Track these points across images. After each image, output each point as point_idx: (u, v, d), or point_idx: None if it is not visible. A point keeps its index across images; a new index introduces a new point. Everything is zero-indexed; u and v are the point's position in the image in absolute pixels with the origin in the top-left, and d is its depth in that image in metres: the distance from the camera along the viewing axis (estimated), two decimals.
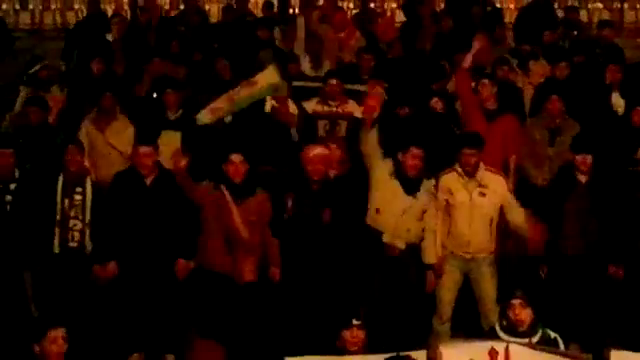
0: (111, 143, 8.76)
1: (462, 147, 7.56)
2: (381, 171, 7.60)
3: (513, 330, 6.03)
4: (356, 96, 9.28)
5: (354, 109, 9.00)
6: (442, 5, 15.00)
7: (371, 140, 8.44)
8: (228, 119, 9.04)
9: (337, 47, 11.29)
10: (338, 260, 7.53)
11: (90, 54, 10.51)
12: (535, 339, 6.01)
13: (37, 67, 9.99)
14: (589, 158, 7.61)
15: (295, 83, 9.64)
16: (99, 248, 7.55)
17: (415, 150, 7.43)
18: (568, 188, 7.66)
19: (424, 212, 7.58)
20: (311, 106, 9.03)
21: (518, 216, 7.58)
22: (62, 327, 5.41)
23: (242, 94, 8.89)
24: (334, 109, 9.00)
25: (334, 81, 9.05)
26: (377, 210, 7.56)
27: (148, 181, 7.50)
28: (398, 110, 8.85)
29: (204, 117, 8.84)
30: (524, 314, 6.03)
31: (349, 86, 9.45)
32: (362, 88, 9.51)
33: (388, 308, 7.48)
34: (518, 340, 5.89)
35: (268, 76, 9.03)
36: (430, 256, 7.60)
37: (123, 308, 7.49)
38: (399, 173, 7.50)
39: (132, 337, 7.46)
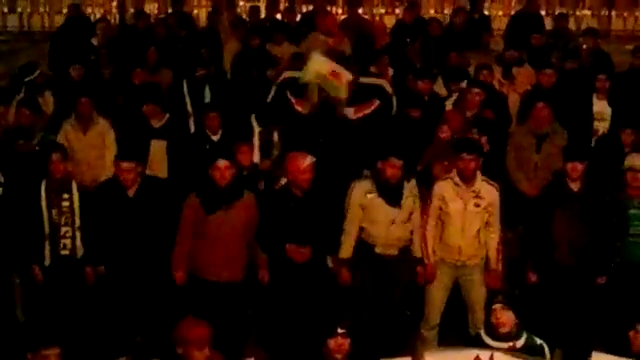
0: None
1: (461, 152, 7.50)
2: (357, 193, 7.55)
3: (496, 334, 6.05)
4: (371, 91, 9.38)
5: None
6: (432, 11, 15.10)
7: None
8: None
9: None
10: (324, 265, 7.59)
11: (73, 59, 10.53)
12: (519, 343, 6.01)
13: (36, 74, 10.01)
14: (580, 166, 7.58)
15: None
16: (90, 253, 7.57)
17: (394, 160, 7.41)
18: (559, 196, 7.64)
19: (411, 214, 7.60)
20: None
21: (491, 238, 7.56)
22: (57, 346, 5.43)
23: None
24: None
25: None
26: (361, 228, 7.56)
27: (130, 192, 7.48)
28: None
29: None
30: (505, 317, 6.05)
31: (364, 79, 9.50)
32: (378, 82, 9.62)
33: (378, 311, 7.51)
34: (502, 345, 5.89)
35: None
36: (419, 250, 7.64)
37: (110, 313, 7.48)
38: (380, 187, 7.49)
39: (118, 342, 7.45)
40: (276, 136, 9.05)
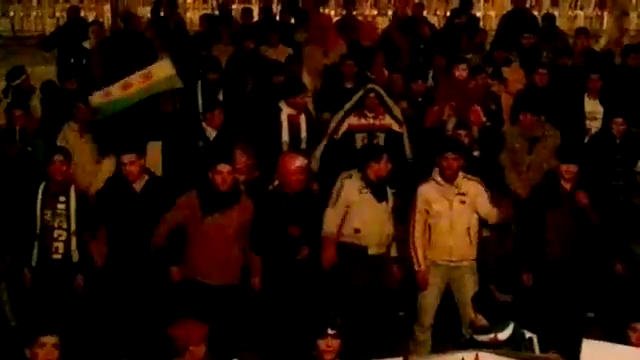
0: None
1: (445, 152, 7.50)
2: (350, 191, 7.57)
3: (477, 329, 5.94)
4: None
5: (391, 122, 9.03)
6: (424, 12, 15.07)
7: None
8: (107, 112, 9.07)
9: (320, 56, 11.28)
10: (315, 267, 7.55)
11: (68, 62, 10.54)
12: (503, 336, 5.84)
13: (23, 77, 10.01)
14: (574, 168, 7.60)
15: None
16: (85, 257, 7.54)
17: (386, 157, 7.50)
18: (551, 196, 7.65)
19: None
20: (348, 120, 9.03)
21: (492, 215, 7.60)
22: (55, 335, 5.35)
23: (138, 86, 9.09)
24: (371, 121, 9.01)
25: (372, 94, 9.07)
26: (356, 230, 7.55)
27: (137, 187, 7.50)
28: None
29: (96, 98, 9.03)
30: (479, 321, 5.95)
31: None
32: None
33: (369, 311, 7.50)
34: (484, 337, 5.78)
35: (163, 68, 9.25)
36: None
37: (109, 315, 7.47)
38: (371, 185, 7.52)
39: (117, 344, 7.43)
40: None
